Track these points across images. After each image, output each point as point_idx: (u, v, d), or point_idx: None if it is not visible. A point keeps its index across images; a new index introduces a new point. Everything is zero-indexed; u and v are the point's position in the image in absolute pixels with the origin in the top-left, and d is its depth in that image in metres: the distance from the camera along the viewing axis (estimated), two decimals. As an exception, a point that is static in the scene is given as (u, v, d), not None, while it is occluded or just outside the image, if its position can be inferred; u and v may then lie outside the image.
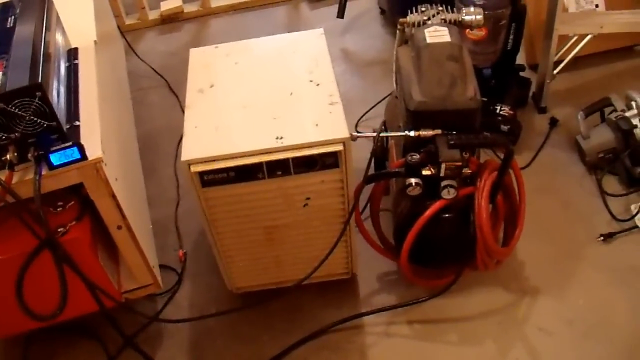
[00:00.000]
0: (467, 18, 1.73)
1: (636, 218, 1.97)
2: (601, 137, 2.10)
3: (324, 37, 1.75)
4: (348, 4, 2.74)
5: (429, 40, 1.63)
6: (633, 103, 2.08)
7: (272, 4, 3.14)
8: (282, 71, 1.64)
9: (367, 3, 3.07)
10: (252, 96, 1.57)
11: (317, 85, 1.58)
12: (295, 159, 1.43)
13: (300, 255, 1.70)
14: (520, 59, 2.40)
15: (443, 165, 1.54)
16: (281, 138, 1.43)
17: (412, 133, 1.57)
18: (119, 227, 1.55)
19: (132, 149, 2.14)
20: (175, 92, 2.66)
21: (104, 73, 1.79)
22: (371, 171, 1.61)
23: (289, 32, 2.89)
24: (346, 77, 2.64)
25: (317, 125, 1.46)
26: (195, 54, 1.76)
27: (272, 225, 1.60)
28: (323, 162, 1.46)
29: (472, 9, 1.74)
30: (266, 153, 1.43)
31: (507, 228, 1.76)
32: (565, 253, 1.93)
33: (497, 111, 2.19)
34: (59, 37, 1.60)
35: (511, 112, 2.19)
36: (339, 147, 1.43)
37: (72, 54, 1.65)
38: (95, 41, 1.73)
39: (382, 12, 2.92)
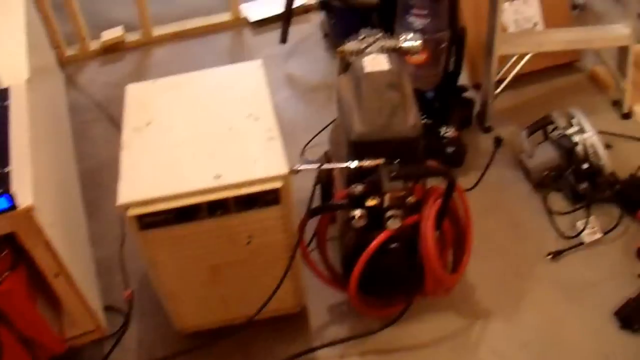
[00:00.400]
0: (406, 45, 1.72)
1: (583, 234, 1.98)
2: (544, 155, 2.12)
3: (263, 69, 1.73)
4: (291, 28, 2.73)
5: (367, 69, 1.62)
6: (573, 120, 2.11)
7: (215, 31, 3.11)
8: (221, 106, 1.61)
9: (310, 27, 3.06)
10: (190, 133, 1.54)
11: (256, 119, 1.55)
12: (235, 197, 1.40)
13: (247, 292, 1.67)
14: (463, 79, 2.42)
15: (387, 196, 1.53)
16: (220, 176, 1.40)
17: (354, 164, 1.55)
18: (57, 275, 1.50)
19: (71, 188, 2.08)
20: (118, 124, 2.59)
21: (38, 112, 1.74)
22: (317, 199, 1.59)
23: (232, 59, 2.92)
24: (291, 103, 2.62)
25: (255, 161, 1.43)
26: (131, 90, 1.72)
27: (216, 264, 1.57)
28: (264, 199, 1.43)
29: (410, 35, 1.73)
30: (205, 193, 1.39)
31: (456, 253, 1.76)
32: (516, 273, 1.94)
33: (442, 133, 2.19)
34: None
35: (455, 134, 2.20)
36: (279, 184, 1.41)
37: (2, 95, 1.60)
38: (27, 79, 1.68)
39: (325, 35, 2.91)
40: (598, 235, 1.99)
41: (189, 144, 1.51)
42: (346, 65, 1.78)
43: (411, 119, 1.56)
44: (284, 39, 2.68)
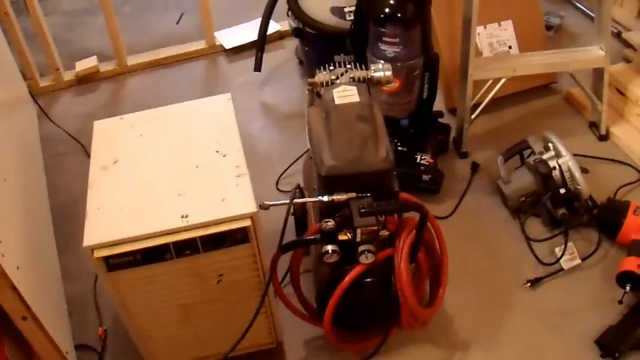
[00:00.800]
0: (377, 75, 1.70)
1: (561, 261, 1.96)
2: (521, 181, 2.10)
3: (231, 103, 1.71)
4: (266, 55, 2.71)
5: (337, 101, 1.60)
6: (550, 145, 2.10)
7: (189, 59, 3.08)
8: (188, 142, 1.59)
9: (285, 54, 3.04)
10: (157, 171, 1.51)
11: (224, 156, 1.53)
12: (202, 237, 1.37)
13: (221, 330, 1.64)
14: (439, 104, 2.41)
15: (358, 231, 1.51)
16: (187, 216, 1.37)
17: (325, 198, 1.53)
18: (24, 318, 1.46)
19: (42, 224, 2.05)
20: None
21: (4, 149, 1.71)
22: (292, 230, 1.56)
23: (206, 88, 2.89)
24: (266, 132, 2.60)
25: (223, 200, 1.41)
26: (99, 126, 1.69)
27: (187, 303, 1.53)
28: (232, 238, 1.40)
29: (380, 65, 1.72)
30: (172, 233, 1.37)
31: (432, 285, 1.74)
32: (494, 302, 1.91)
33: (418, 161, 2.18)
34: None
35: (432, 161, 2.19)
36: (247, 223, 1.38)
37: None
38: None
39: (301, 62, 2.90)
40: (577, 261, 1.97)
41: (156, 183, 1.48)
42: (316, 97, 1.76)
43: (382, 151, 1.54)
44: (258, 67, 2.66)
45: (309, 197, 1.86)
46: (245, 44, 3.06)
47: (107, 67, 3.00)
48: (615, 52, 2.64)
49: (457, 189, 2.26)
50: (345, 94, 1.62)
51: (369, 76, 1.71)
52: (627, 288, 1.82)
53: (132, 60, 3.01)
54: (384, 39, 1.98)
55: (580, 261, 1.97)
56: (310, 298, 1.77)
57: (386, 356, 1.78)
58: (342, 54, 2.51)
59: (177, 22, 3.33)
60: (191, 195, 1.43)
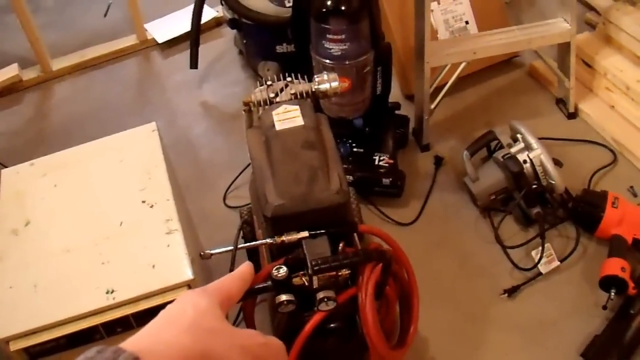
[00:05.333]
0: (322, 87, 1.50)
1: (539, 265, 1.81)
2: (490, 178, 1.93)
3: (157, 134, 1.48)
4: (202, 47, 2.49)
5: (278, 127, 1.40)
6: (519, 136, 1.92)
7: (120, 57, 2.80)
8: (109, 191, 1.37)
9: (223, 43, 2.79)
10: (75, 233, 1.29)
11: (151, 207, 1.31)
12: (134, 314, 1.18)
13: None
14: (395, 90, 2.19)
15: (315, 278, 1.32)
16: (113, 292, 1.17)
17: (272, 241, 1.34)
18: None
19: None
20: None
21: None
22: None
23: (140, 90, 2.64)
24: (209, 137, 2.37)
25: (153, 266, 1.20)
26: (6, 177, 1.46)
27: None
28: (169, 309, 1.21)
29: (325, 75, 1.51)
30: (98, 313, 1.17)
31: (402, 320, 1.56)
32: (470, 317, 1.75)
33: (376, 162, 1.99)
34: None
35: (391, 161, 2.00)
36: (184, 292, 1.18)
37: None
38: None
39: (241, 52, 2.66)
40: (555, 263, 1.82)
41: (75, 250, 1.26)
42: (255, 118, 1.56)
43: (335, 183, 1.34)
44: (194, 65, 2.43)
45: (257, 221, 1.67)
46: (180, 35, 2.80)
47: (30, 74, 2.70)
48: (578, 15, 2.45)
49: (420, 188, 2.08)
50: (287, 117, 1.42)
51: (313, 89, 1.51)
52: (612, 294, 1.68)
53: (57, 64, 2.73)
54: (327, 36, 1.76)
55: (559, 263, 1.82)
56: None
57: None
58: (284, 44, 2.30)
59: (105, 15, 3.04)
60: (116, 262, 1.22)
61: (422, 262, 1.57)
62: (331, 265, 1.27)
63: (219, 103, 2.52)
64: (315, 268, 1.25)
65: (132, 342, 0.49)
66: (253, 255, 1.73)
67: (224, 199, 2.11)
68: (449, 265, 1.87)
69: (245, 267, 0.68)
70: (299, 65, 1.86)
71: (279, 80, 1.54)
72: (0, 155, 2.40)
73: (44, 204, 1.38)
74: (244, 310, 1.50)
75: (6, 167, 2.31)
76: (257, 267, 1.63)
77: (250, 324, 1.52)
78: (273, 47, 2.29)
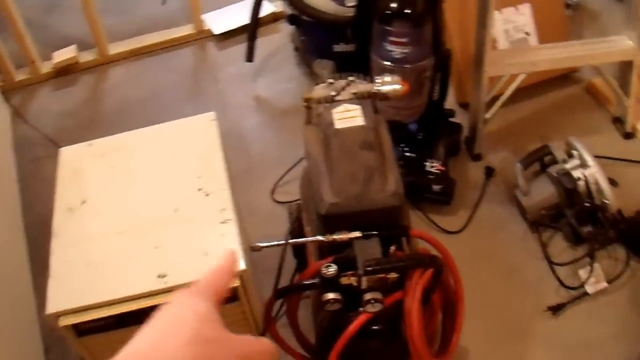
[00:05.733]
0: (384, 89, 1.48)
1: (586, 285, 1.78)
2: (542, 192, 1.90)
3: (216, 124, 1.49)
4: (259, 40, 2.49)
5: (338, 125, 1.39)
6: (574, 152, 1.89)
7: (176, 46, 2.83)
8: (166, 177, 1.37)
9: (279, 38, 2.79)
10: (130, 215, 1.30)
11: (207, 195, 1.32)
12: (183, 300, 1.18)
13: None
14: (450, 97, 2.17)
15: (364, 279, 1.31)
16: (164, 276, 1.18)
17: (324, 238, 1.33)
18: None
19: (10, 257, 1.85)
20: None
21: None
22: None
23: (194, 79, 2.66)
24: (260, 132, 2.38)
25: (206, 254, 1.21)
26: (65, 155, 1.48)
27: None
28: (218, 298, 1.21)
29: (388, 78, 1.49)
30: (148, 296, 1.17)
31: (445, 328, 1.55)
32: (512, 331, 1.73)
33: (427, 168, 1.97)
34: None
35: (443, 168, 1.98)
36: (235, 283, 1.19)
37: None
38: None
39: (296, 48, 2.66)
40: (603, 284, 1.78)
41: (129, 231, 1.27)
42: (314, 115, 1.55)
43: (391, 185, 1.33)
44: (250, 58, 2.44)
45: (306, 218, 1.66)
46: (236, 28, 2.80)
47: (87, 57, 2.75)
48: None
49: (470, 197, 2.05)
50: (347, 116, 1.41)
51: (375, 90, 1.49)
52: (661, 320, 1.64)
53: (114, 49, 2.76)
54: (390, 38, 1.75)
55: (606, 284, 1.78)
56: (307, 332, 1.59)
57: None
58: (341, 43, 2.30)
59: (163, 3, 3.06)
60: (169, 247, 1.23)
61: (466, 271, 1.54)
62: (383, 267, 1.26)
63: (271, 98, 2.53)
64: (368, 269, 1.24)
65: (132, 351, 0.48)
66: (299, 251, 1.72)
67: (272, 193, 2.11)
68: (494, 277, 1.85)
69: (230, 257, 0.63)
70: (355, 65, 1.84)
71: (334, 79, 1.54)
72: (53, 134, 2.44)
73: (101, 185, 1.39)
74: (287, 305, 1.49)
75: (59, 146, 2.36)
76: (304, 263, 1.65)
77: (293, 319, 1.52)
78: (330, 45, 2.29)
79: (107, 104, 2.59)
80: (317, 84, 2.05)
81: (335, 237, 1.33)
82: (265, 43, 2.70)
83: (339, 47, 2.30)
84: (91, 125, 2.49)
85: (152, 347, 0.47)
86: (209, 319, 0.52)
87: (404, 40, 1.74)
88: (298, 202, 1.84)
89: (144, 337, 0.48)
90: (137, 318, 1.20)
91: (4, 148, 2.23)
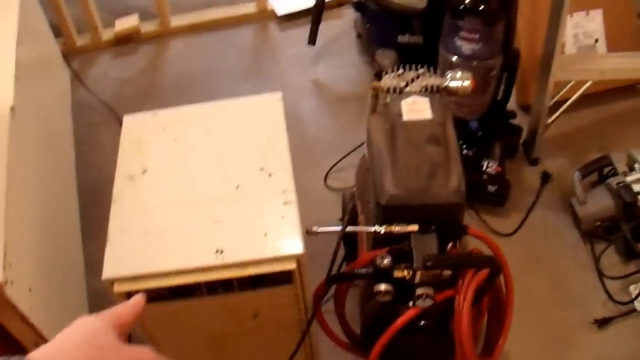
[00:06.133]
0: (453, 84, 1.47)
1: (636, 301, 1.74)
2: (599, 203, 1.86)
3: (282, 104, 1.48)
4: (321, 25, 2.47)
5: (406, 117, 1.37)
6: (636, 166, 1.84)
7: (237, 24, 2.83)
8: (229, 153, 1.37)
9: (342, 24, 2.77)
10: (191, 188, 1.31)
11: (270, 175, 1.31)
12: (239, 278, 1.18)
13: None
14: (511, 99, 2.14)
15: (419, 273, 1.30)
16: (222, 252, 1.18)
17: (382, 229, 1.32)
18: (36, 344, 1.30)
19: (65, 215, 1.87)
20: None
21: (25, 140, 1.53)
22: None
23: (254, 58, 2.66)
24: (317, 116, 2.37)
25: (266, 234, 1.20)
26: (128, 123, 1.49)
27: (217, 335, 1.36)
28: (273, 279, 1.21)
29: (458, 74, 1.47)
30: (204, 271, 1.17)
31: (491, 330, 1.53)
32: (555, 341, 1.70)
33: (484, 168, 1.95)
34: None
35: (499, 169, 1.95)
36: (292, 266, 1.18)
37: (-19, 127, 1.38)
38: (11, 107, 1.45)
39: (359, 36, 2.64)
40: (654, 303, 1.74)
41: (189, 204, 1.27)
42: (379, 104, 1.54)
43: (453, 182, 1.31)
44: (312, 41, 2.43)
45: (361, 207, 1.65)
46: (300, 11, 2.79)
47: (148, 27, 2.77)
48: None
49: (524, 201, 2.02)
50: (416, 108, 1.39)
51: (444, 85, 1.47)
52: None
53: (176, 21, 2.78)
54: (461, 33, 1.73)
55: (658, 303, 1.75)
56: (353, 320, 1.58)
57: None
58: (407, 34, 2.27)
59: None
60: (229, 224, 1.23)
61: (513, 275, 1.52)
62: (442, 263, 1.25)
63: (330, 83, 2.52)
64: (428, 264, 1.22)
65: (39, 353, 0.54)
66: (348, 240, 1.71)
67: (325, 178, 2.10)
68: (541, 284, 1.82)
69: (139, 297, 0.70)
70: (419, 57, 1.82)
71: (402, 70, 1.52)
72: (111, 100, 2.46)
73: (162, 155, 1.39)
74: (336, 292, 1.49)
75: (116, 112, 2.39)
76: (352, 252, 1.64)
77: (340, 307, 1.51)
78: (395, 35, 2.26)
79: (165, 75, 2.60)
80: (376, 73, 2.02)
81: (393, 228, 1.32)
82: (327, 27, 2.68)
83: (403, 38, 2.28)
84: (148, 94, 2.50)
85: (53, 349, 0.53)
86: (102, 330, 0.58)
87: (474, 36, 1.72)
88: (352, 189, 1.83)
89: (48, 345, 0.54)
90: (191, 291, 1.21)
91: (63, 111, 2.26)
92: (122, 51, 2.73)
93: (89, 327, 0.57)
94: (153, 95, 2.50)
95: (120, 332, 0.61)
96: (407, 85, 1.48)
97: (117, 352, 0.56)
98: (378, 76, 2.34)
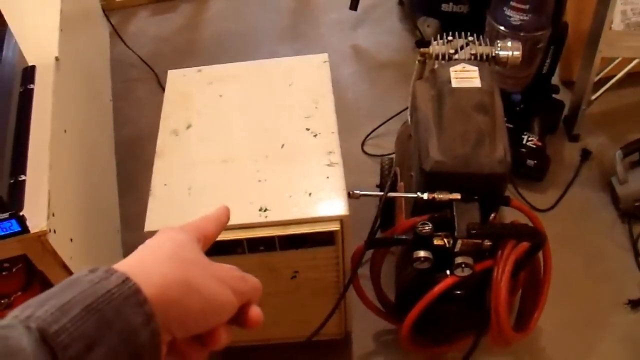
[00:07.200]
0: (502, 54, 1.44)
1: (672, 284, 1.72)
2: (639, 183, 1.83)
3: (328, 66, 1.47)
4: (363, -9, 2.45)
5: (454, 84, 1.35)
6: (681, 147, 1.81)
7: (278, -15, 2.81)
8: (275, 112, 1.36)
9: (384, -9, 2.74)
10: (235, 145, 1.30)
11: (315, 136, 1.31)
12: (281, 237, 1.18)
13: (287, 318, 1.47)
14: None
15: (459, 242, 1.29)
16: (265, 210, 1.18)
17: (425, 196, 1.31)
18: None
19: (103, 169, 1.88)
20: (164, 87, 2.37)
21: (68, 91, 1.53)
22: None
23: (294, 21, 2.63)
24: (355, 82, 2.35)
25: (310, 194, 1.20)
26: (173, 77, 1.48)
27: (254, 292, 1.36)
28: (315, 239, 1.21)
29: (509, 43, 1.45)
30: (247, 228, 1.18)
31: (526, 304, 1.52)
32: (587, 319, 1.69)
33: (524, 142, 1.92)
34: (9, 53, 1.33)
35: (539, 144, 1.92)
36: (335, 227, 1.18)
37: (28, 75, 1.38)
38: (56, 57, 1.45)
39: (400, 2, 2.60)
40: (690, 287, 1.72)
41: (233, 161, 1.27)
42: (427, 70, 1.52)
43: (499, 151, 1.30)
44: (354, 6, 2.41)
45: (400, 174, 1.64)
46: (343, -26, 2.75)
47: (189, -16, 2.76)
48: None
49: (562, 177, 2.00)
50: (465, 76, 1.37)
51: (494, 54, 1.45)
52: None
53: (217, -21, 2.76)
54: (511, 2, 1.71)
55: (693, 287, 1.72)
56: (386, 287, 1.58)
57: (463, 367, 1.59)
58: (450, 3, 2.23)
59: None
60: (272, 182, 1.23)
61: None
62: (486, 232, 1.24)
63: (370, 49, 2.49)
64: (472, 232, 1.21)
65: (121, 265, 0.51)
66: (385, 206, 1.70)
67: (362, 144, 2.09)
68: (576, 261, 1.81)
69: (222, 210, 0.67)
70: (462, 26, 1.79)
71: (444, 37, 1.50)
72: (148, 57, 2.45)
73: (207, 111, 1.39)
74: (372, 258, 1.49)
75: (152, 69, 2.39)
76: (389, 218, 1.63)
77: (376, 273, 1.51)
78: (439, 3, 2.23)
79: (203, 34, 2.59)
80: (417, 41, 1.99)
81: (436, 195, 1.30)
82: (369, -7, 2.65)
83: (447, 7, 2.24)
84: (186, 53, 2.50)
85: (134, 264, 0.50)
86: (188, 245, 0.55)
87: (525, 7, 1.69)
88: (391, 156, 1.82)
89: (126, 259, 0.52)
90: (231, 248, 1.21)
91: (104, 65, 2.26)
92: (162, 9, 2.72)
93: (175, 240, 0.55)
94: (191, 53, 2.49)
95: (203, 246, 0.59)
96: (456, 52, 1.45)
97: (203, 268, 0.53)
98: (419, 44, 2.32)
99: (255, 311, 0.59)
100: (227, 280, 0.55)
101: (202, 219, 0.64)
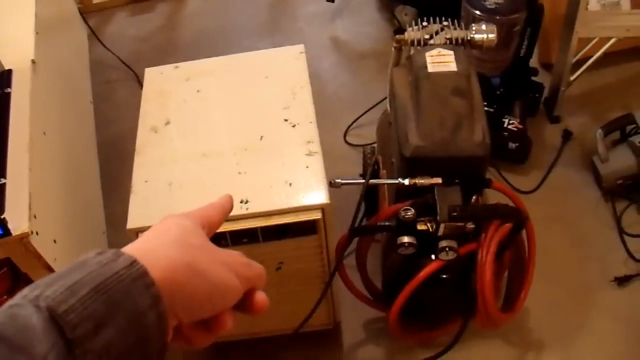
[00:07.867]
0: (477, 37, 1.45)
1: (657, 260, 1.73)
2: (621, 161, 1.85)
3: (305, 57, 1.47)
4: (340, -18, 2.45)
5: (431, 69, 1.36)
6: (660, 123, 1.82)
7: (255, -20, 2.81)
8: (252, 104, 1.37)
9: (361, -18, 2.74)
10: (214, 139, 1.30)
11: (293, 126, 1.31)
12: (263, 228, 1.18)
13: (275, 311, 1.46)
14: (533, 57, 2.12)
15: (442, 226, 1.30)
16: (247, 202, 1.18)
17: (406, 181, 1.32)
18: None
19: (86, 171, 1.88)
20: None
21: (46, 94, 1.53)
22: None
23: (272, 16, 2.63)
24: (336, 73, 2.35)
25: (290, 184, 1.20)
26: (150, 75, 1.48)
27: (240, 285, 1.36)
28: (298, 229, 1.21)
29: (483, 26, 1.45)
30: (229, 221, 1.17)
31: (512, 286, 1.53)
32: (575, 298, 1.71)
33: (505, 125, 1.93)
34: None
35: (520, 127, 1.94)
36: (317, 215, 1.18)
37: (4, 79, 1.38)
38: (33, 60, 1.45)
39: (379, -7, 2.61)
40: (675, 261, 1.74)
41: (212, 155, 1.27)
42: (402, 57, 1.52)
43: (478, 134, 1.31)
44: (332, -3, 2.41)
45: (382, 162, 1.65)
46: (318, -33, 2.75)
47: (165, -17, 2.75)
48: None
49: (544, 159, 2.01)
50: (441, 60, 1.38)
51: (469, 37, 1.46)
52: None
53: (193, -23, 2.75)
54: (485, -14, 1.71)
55: (678, 262, 1.74)
56: (373, 276, 1.59)
57: (451, 351, 1.59)
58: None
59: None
60: (252, 174, 1.23)
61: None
62: (467, 214, 1.25)
63: (349, 40, 2.49)
64: (453, 214, 1.22)
65: (128, 249, 0.51)
66: (369, 194, 1.71)
67: (345, 135, 2.09)
68: (562, 241, 1.82)
69: (226, 198, 0.68)
70: (439, 14, 1.80)
71: (420, 23, 1.50)
72: (128, 58, 2.45)
73: (185, 107, 1.39)
74: (358, 246, 1.49)
75: (133, 70, 2.38)
76: (372, 206, 1.63)
77: (362, 261, 1.52)
78: (415, -10, 2.24)
79: (182, 32, 2.59)
80: (396, 30, 1.99)
81: (417, 181, 1.31)
82: (346, -16, 2.66)
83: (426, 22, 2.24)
84: (165, 52, 2.49)
85: (141, 248, 0.51)
86: (193, 231, 0.56)
87: (499, -10, 1.70)
88: (373, 145, 1.82)
89: (133, 244, 0.52)
90: (215, 242, 1.20)
91: (82, 67, 2.25)
92: (139, 9, 2.72)
93: (180, 225, 0.55)
94: (170, 52, 2.49)
95: (208, 232, 0.60)
96: (431, 37, 1.46)
97: (209, 254, 0.54)
98: (397, 32, 2.32)
99: (260, 296, 0.59)
100: (232, 265, 0.55)
101: (207, 206, 0.65)
